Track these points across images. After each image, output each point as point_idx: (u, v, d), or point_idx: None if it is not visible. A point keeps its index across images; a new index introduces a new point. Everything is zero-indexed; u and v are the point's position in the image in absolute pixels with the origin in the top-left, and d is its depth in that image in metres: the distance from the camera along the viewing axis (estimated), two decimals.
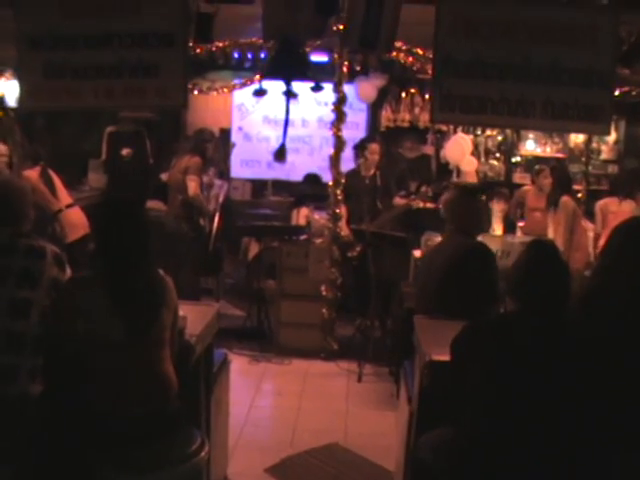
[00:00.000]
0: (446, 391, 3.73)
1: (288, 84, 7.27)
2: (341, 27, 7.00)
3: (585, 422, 3.20)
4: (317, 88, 8.04)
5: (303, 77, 7.39)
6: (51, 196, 7.85)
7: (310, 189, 9.55)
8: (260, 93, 8.93)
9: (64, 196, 8.03)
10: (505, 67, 5.51)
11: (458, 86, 5.52)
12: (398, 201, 8.46)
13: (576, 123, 5.75)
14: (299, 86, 8.04)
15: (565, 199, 7.31)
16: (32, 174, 7.86)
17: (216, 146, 8.85)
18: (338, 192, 7.60)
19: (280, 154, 8.40)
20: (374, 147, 8.46)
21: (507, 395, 3.26)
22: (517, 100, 5.54)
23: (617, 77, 6.43)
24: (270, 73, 7.71)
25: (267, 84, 8.89)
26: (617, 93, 7.83)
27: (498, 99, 5.54)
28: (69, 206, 7.99)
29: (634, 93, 8.16)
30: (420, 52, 7.75)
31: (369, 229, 7.55)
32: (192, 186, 7.88)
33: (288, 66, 6.75)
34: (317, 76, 7.92)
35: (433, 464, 3.56)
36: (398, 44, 7.81)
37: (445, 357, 3.64)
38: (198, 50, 8.08)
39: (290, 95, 7.41)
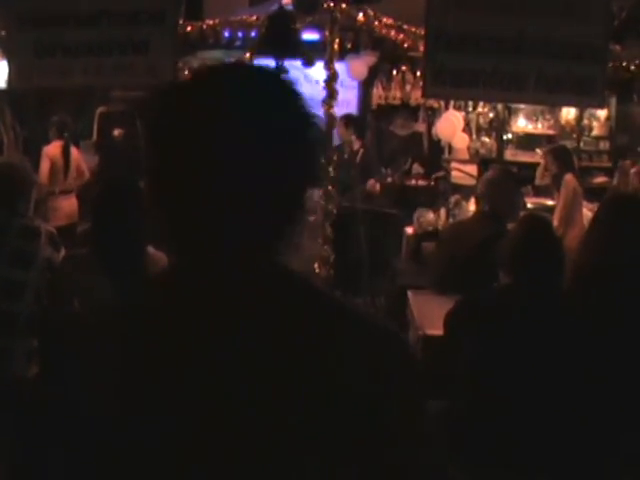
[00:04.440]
0: (440, 365, 3.75)
1: (279, 61, 7.24)
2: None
3: (580, 392, 3.23)
4: (308, 63, 8.02)
5: (294, 54, 7.37)
6: (62, 175, 7.90)
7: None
8: None
9: (72, 178, 8.07)
10: (498, 40, 5.46)
11: (450, 60, 5.47)
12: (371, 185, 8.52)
13: (569, 96, 5.73)
14: (290, 64, 8.01)
15: (568, 177, 7.30)
16: (53, 149, 7.89)
17: None
18: (330, 169, 7.59)
19: None
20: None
21: (501, 368, 3.28)
22: (510, 73, 5.50)
23: (609, 52, 6.41)
24: (261, 50, 7.69)
25: (259, 62, 8.85)
26: (608, 68, 7.85)
27: (491, 73, 5.49)
28: (65, 192, 8.01)
29: (626, 65, 8.12)
30: (411, 29, 7.72)
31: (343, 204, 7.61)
32: None
33: (279, 43, 6.72)
34: (310, 53, 7.90)
35: None
36: (389, 21, 7.78)
37: (439, 332, 3.66)
38: (189, 28, 8.02)
39: (281, 71, 7.40)
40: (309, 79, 10.15)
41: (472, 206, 6.80)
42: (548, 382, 3.21)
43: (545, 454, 3.22)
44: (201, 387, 1.17)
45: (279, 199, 1.20)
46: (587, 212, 7.61)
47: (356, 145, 8.72)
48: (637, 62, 7.82)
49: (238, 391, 1.16)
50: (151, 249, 3.76)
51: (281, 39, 6.68)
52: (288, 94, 1.25)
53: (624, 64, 8.29)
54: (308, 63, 7.99)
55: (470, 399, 3.37)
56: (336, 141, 8.45)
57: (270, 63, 7.58)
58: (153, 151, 1.21)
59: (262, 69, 1.28)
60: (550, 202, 8.05)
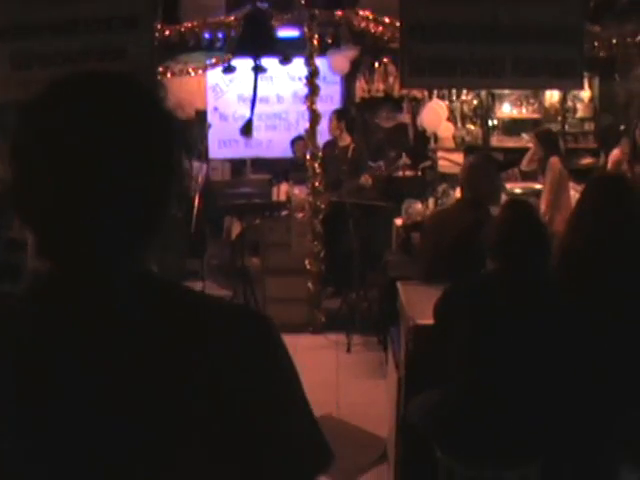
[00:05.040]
0: (432, 354, 3.76)
1: (256, 59, 7.25)
2: None
3: (570, 376, 3.24)
4: (285, 60, 8.02)
5: (271, 51, 7.37)
6: None
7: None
8: (229, 70, 8.93)
9: None
10: (473, 28, 5.47)
11: (426, 50, 5.47)
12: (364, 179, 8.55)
13: (548, 79, 5.74)
14: (271, 62, 8.02)
15: (553, 160, 7.32)
16: None
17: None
18: (316, 165, 7.62)
19: (247, 129, 8.36)
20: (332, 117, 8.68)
21: (491, 353, 3.30)
22: (487, 60, 5.51)
23: (586, 33, 6.43)
24: (238, 49, 7.69)
25: (239, 62, 8.87)
26: (588, 49, 7.87)
27: (467, 60, 5.50)
28: None
29: (605, 45, 8.13)
30: (388, 20, 7.73)
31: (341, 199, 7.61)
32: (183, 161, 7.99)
33: (256, 41, 6.73)
34: (286, 50, 7.90)
35: (421, 427, 3.60)
36: (366, 14, 7.80)
37: (429, 321, 3.67)
38: (167, 32, 8.01)
39: (259, 70, 7.39)
40: (292, 76, 10.19)
41: (459, 194, 6.81)
42: (538, 366, 3.22)
43: (538, 440, 3.24)
44: (70, 384, 1.19)
45: (140, 205, 1.20)
46: (575, 193, 7.63)
47: (346, 140, 8.75)
48: (615, 41, 7.84)
49: (110, 394, 1.19)
50: None
51: (257, 38, 6.68)
52: (146, 101, 1.26)
53: (604, 44, 8.31)
54: (285, 60, 8.00)
55: (462, 386, 3.39)
56: (324, 137, 8.49)
57: (249, 62, 7.61)
58: (13, 164, 1.23)
59: (120, 77, 1.27)
60: (537, 186, 8.08)
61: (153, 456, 1.20)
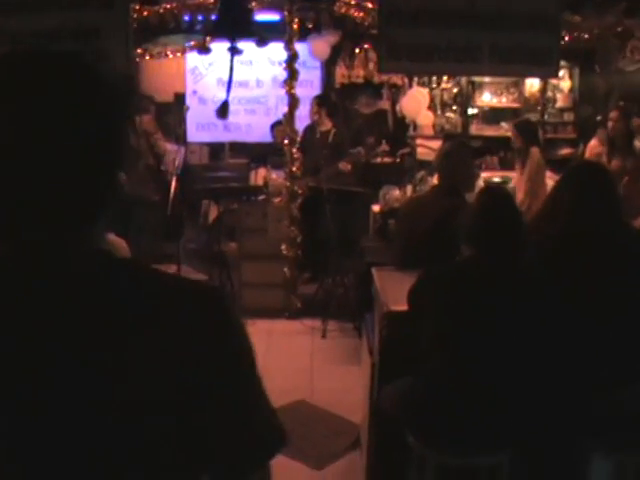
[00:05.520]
0: (406, 340, 3.75)
1: (232, 41, 7.18)
2: None
3: (542, 362, 3.24)
4: (261, 43, 7.96)
5: (247, 34, 7.31)
6: None
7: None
8: (205, 50, 8.90)
9: None
10: (451, 14, 5.48)
11: (404, 35, 5.47)
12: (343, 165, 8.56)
13: (524, 66, 5.76)
14: (249, 46, 7.97)
15: (533, 150, 7.35)
16: None
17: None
18: (294, 150, 7.59)
19: (222, 111, 8.30)
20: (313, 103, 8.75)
21: (465, 340, 3.29)
22: (464, 46, 5.52)
23: (567, 23, 6.45)
24: (215, 31, 7.63)
25: (219, 46, 8.82)
26: (569, 39, 7.89)
27: (445, 46, 5.51)
28: None
29: (585, 35, 8.15)
30: (369, 5, 7.71)
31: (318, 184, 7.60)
32: (162, 144, 8.10)
33: (232, 23, 6.67)
34: (263, 33, 7.85)
35: (394, 413, 3.59)
36: None
37: (403, 307, 3.65)
38: (146, 13, 7.95)
39: (234, 51, 7.32)
40: (272, 60, 10.14)
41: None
42: (511, 353, 3.22)
43: (509, 428, 3.24)
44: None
45: (86, 182, 1.20)
46: (551, 183, 7.64)
47: (327, 125, 8.74)
48: (595, 32, 7.85)
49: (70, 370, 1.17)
50: (111, 236, 3.74)
51: (234, 20, 6.62)
52: (90, 79, 1.24)
53: (584, 35, 8.33)
54: (261, 43, 7.94)
55: (434, 373, 3.38)
56: (303, 121, 8.48)
57: (225, 44, 7.55)
58: None
59: (63, 55, 1.25)
60: (515, 175, 8.08)
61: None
